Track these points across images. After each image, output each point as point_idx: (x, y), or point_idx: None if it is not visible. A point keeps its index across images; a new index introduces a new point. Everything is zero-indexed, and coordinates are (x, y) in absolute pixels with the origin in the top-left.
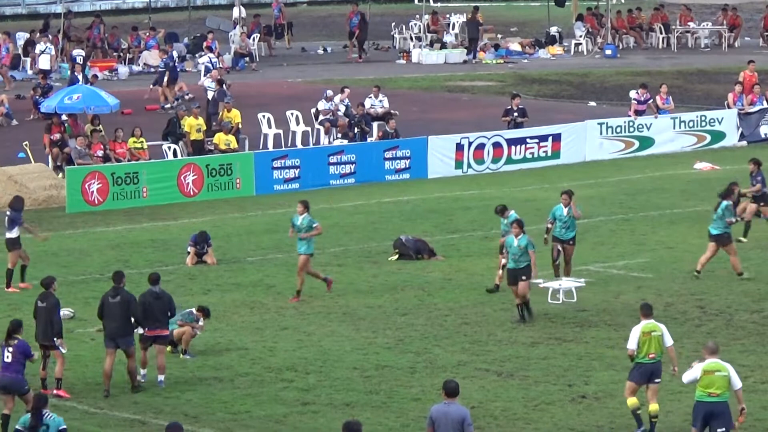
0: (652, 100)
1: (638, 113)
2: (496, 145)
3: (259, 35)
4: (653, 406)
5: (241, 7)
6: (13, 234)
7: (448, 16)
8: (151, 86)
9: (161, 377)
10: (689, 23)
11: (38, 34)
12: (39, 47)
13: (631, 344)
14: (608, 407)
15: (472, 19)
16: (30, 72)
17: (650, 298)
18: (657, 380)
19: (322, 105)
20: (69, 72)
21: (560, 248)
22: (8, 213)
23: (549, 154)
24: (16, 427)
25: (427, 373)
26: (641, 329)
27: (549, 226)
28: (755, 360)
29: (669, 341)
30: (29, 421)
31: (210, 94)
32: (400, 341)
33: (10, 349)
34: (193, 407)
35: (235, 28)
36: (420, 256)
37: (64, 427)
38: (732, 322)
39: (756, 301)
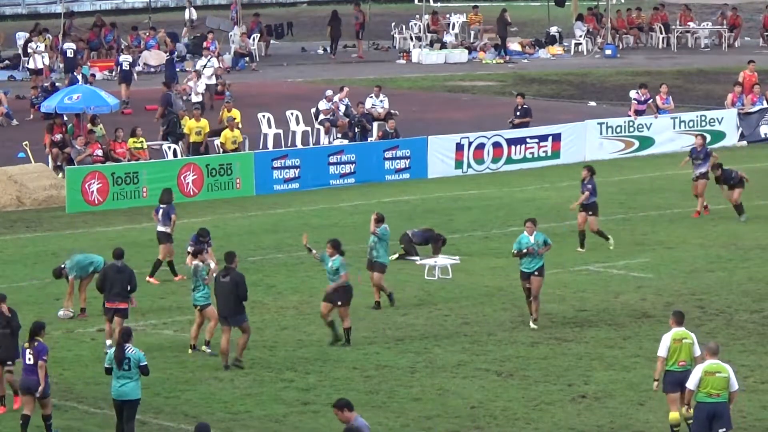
0: (651, 100)
1: (638, 113)
2: (496, 145)
3: (259, 35)
4: (683, 411)
5: (193, 8)
6: (166, 228)
7: (448, 16)
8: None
9: (109, 341)
10: (689, 23)
11: (33, 34)
12: (30, 47)
13: (662, 351)
14: (608, 407)
15: (500, 18)
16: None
17: (650, 298)
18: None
19: (323, 105)
20: (64, 70)
21: (528, 285)
22: (162, 207)
23: (549, 154)
24: (105, 365)
25: (427, 373)
26: (672, 336)
27: (515, 252)
28: (755, 360)
29: (698, 351)
30: (114, 353)
31: (197, 98)
32: (400, 341)
33: (31, 351)
34: (192, 407)
35: (184, 28)
36: (431, 244)
37: (145, 363)
38: (732, 322)
39: (756, 301)
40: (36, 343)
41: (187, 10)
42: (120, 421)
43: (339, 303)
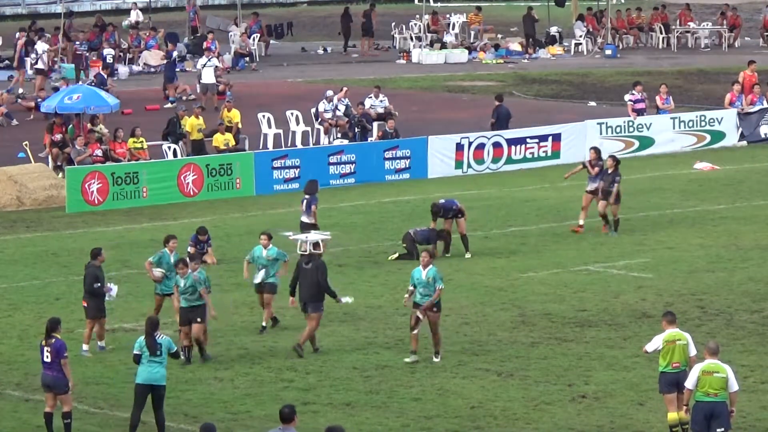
0: (646, 99)
1: (637, 112)
2: (496, 145)
3: (259, 35)
4: (683, 413)
5: (138, 11)
6: (309, 219)
7: (448, 16)
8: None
9: (101, 343)
10: (689, 23)
11: (32, 35)
12: (36, 48)
13: (649, 347)
14: (608, 407)
15: (527, 15)
16: (30, 72)
17: (650, 298)
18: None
19: (322, 106)
20: (75, 71)
21: (419, 316)
22: (306, 197)
23: (549, 154)
24: (134, 352)
25: (427, 373)
26: (664, 338)
27: (411, 289)
28: (755, 360)
29: (693, 351)
30: (145, 342)
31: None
32: (400, 341)
33: (48, 348)
34: (192, 407)
35: (131, 28)
36: (429, 244)
37: (176, 349)
38: (732, 322)
39: (756, 301)
40: (53, 340)
41: (133, 12)
42: (137, 407)
43: (198, 320)
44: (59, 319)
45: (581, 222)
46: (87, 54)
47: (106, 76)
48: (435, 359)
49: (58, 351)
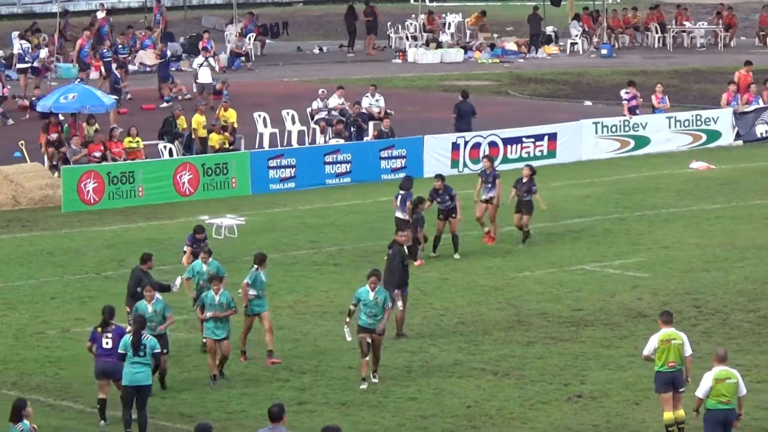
0: (638, 98)
1: (632, 111)
2: (492, 145)
3: (254, 35)
4: (679, 413)
5: (105, 12)
6: (405, 215)
7: (443, 15)
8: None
9: None
10: (685, 23)
11: (28, 34)
12: (18, 45)
13: (646, 350)
14: (604, 406)
15: (533, 15)
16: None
17: (646, 297)
18: (681, 390)
19: (316, 105)
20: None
21: (369, 340)
22: (401, 193)
23: (545, 153)
24: (119, 351)
25: (423, 373)
26: (659, 337)
27: (352, 308)
28: (751, 359)
29: (688, 351)
30: (131, 340)
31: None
32: (396, 340)
33: (109, 335)
34: (189, 407)
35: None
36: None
37: (158, 350)
38: (728, 322)
39: (752, 300)
40: (113, 327)
41: (99, 13)
42: (127, 409)
43: (165, 351)
44: (113, 307)
45: (491, 232)
46: (126, 57)
47: (120, 76)
48: (374, 379)
49: (122, 335)
